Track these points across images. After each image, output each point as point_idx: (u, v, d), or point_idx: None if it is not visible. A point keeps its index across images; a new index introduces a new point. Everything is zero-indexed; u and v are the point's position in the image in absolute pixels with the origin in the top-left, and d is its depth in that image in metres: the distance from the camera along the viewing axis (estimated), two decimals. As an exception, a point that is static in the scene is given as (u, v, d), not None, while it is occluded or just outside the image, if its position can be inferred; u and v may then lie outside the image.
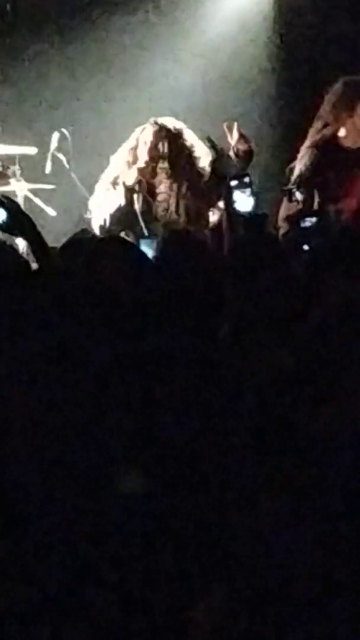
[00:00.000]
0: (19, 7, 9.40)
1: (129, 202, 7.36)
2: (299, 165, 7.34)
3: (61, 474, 3.18)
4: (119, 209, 7.40)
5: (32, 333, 3.49)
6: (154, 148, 7.46)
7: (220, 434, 3.27)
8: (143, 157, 7.46)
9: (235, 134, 7.15)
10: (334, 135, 7.47)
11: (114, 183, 7.63)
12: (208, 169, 7.41)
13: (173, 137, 7.45)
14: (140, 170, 7.22)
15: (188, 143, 7.47)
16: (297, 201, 7.06)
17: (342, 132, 7.44)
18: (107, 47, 9.51)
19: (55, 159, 8.19)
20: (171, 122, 7.48)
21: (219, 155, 7.17)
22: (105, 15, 9.44)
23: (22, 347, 3.42)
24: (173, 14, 9.48)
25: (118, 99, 9.27)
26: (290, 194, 7.10)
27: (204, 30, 9.58)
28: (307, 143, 7.39)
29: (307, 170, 7.39)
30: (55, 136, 8.16)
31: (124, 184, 7.41)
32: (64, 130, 8.25)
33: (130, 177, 7.40)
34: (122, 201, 7.38)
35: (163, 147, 7.51)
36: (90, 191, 8.00)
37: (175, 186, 7.46)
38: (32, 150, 8.43)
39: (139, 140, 7.52)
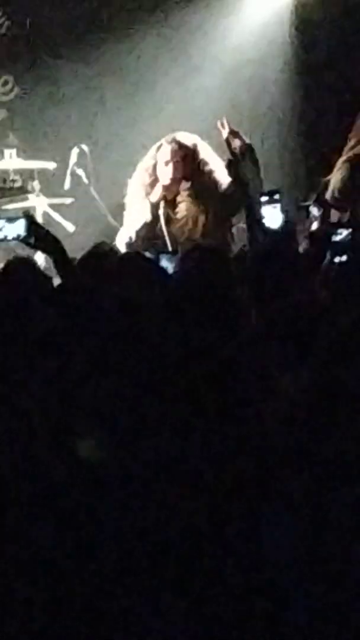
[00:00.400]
0: (37, 23, 9.45)
1: (154, 218, 7.29)
2: (334, 179, 7.26)
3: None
4: (144, 226, 7.34)
5: (58, 349, 3.45)
6: (173, 168, 7.35)
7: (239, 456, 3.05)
8: (166, 176, 7.35)
9: (226, 130, 7.08)
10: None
11: (137, 201, 7.57)
12: (227, 178, 7.26)
13: (191, 155, 7.33)
14: (165, 188, 7.16)
15: (204, 158, 7.35)
16: (315, 217, 6.88)
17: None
18: (124, 60, 9.45)
19: (74, 174, 8.17)
20: (186, 138, 7.36)
21: (235, 159, 7.04)
22: (122, 29, 9.42)
23: (49, 363, 3.37)
24: (190, 27, 9.46)
25: (136, 113, 9.23)
26: (307, 211, 6.98)
27: (224, 41, 9.50)
28: (342, 158, 7.34)
29: (342, 184, 7.28)
30: (75, 152, 8.18)
31: (149, 200, 7.36)
32: (83, 146, 8.25)
33: (155, 194, 7.36)
34: (147, 218, 7.32)
35: (183, 166, 7.39)
36: (109, 206, 8.15)
37: (195, 204, 7.31)
38: (51, 165, 8.42)
39: (157, 159, 7.38)
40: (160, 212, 7.32)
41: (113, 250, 5.68)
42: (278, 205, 6.07)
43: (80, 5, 9.51)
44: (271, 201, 6.15)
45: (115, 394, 3.30)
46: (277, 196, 6.15)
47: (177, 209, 7.40)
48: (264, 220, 6.05)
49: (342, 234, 5.81)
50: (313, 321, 4.02)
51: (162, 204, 7.23)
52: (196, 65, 9.38)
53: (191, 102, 9.18)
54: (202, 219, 7.32)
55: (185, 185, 7.35)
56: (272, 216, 6.05)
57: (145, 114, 9.18)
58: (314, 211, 6.76)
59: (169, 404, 3.33)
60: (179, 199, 7.35)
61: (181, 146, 7.30)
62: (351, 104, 7.98)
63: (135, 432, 3.24)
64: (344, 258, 5.52)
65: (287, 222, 6.19)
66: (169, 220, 7.34)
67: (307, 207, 6.79)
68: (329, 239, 5.80)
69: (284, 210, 6.07)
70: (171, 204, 7.36)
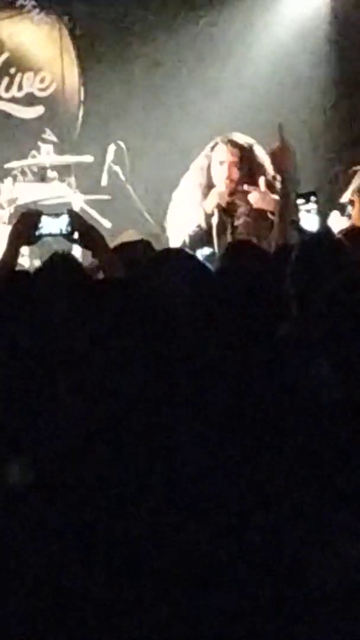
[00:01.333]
0: (81, 22, 9.39)
1: (208, 226, 7.03)
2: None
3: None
4: (198, 231, 7.09)
5: (100, 342, 3.11)
6: (230, 168, 7.06)
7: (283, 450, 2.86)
8: (220, 179, 7.10)
9: (277, 144, 6.78)
10: None
11: (191, 203, 7.34)
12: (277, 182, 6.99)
13: (247, 156, 7.09)
14: (219, 195, 6.94)
15: (260, 160, 7.12)
16: (349, 215, 6.75)
17: None
18: (163, 58, 9.36)
19: (111, 171, 8.06)
20: (242, 139, 7.16)
21: (284, 181, 6.74)
22: (163, 28, 9.35)
23: (90, 356, 3.05)
24: (232, 24, 9.28)
25: (174, 110, 9.13)
26: (343, 208, 6.88)
27: (263, 40, 9.36)
28: None
29: None
30: (112, 148, 8.04)
31: (204, 209, 7.12)
32: (120, 142, 8.15)
33: (210, 202, 7.12)
34: (201, 223, 7.06)
35: (239, 167, 7.12)
36: (146, 203, 8.23)
37: (252, 211, 7.04)
38: (88, 159, 8.37)
39: (211, 159, 7.15)
40: (214, 221, 7.11)
41: (151, 246, 5.33)
42: (314, 207, 5.90)
43: (123, 3, 9.46)
44: (307, 203, 5.97)
45: (159, 380, 3.00)
46: (313, 198, 6.00)
47: (237, 213, 7.17)
48: (301, 223, 5.91)
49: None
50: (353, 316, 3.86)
51: (216, 212, 7.01)
52: (235, 63, 9.21)
53: (229, 99, 9.01)
54: (258, 221, 7.09)
55: (240, 187, 7.06)
56: (308, 219, 5.91)
57: (183, 111, 9.07)
58: (349, 209, 6.65)
59: (209, 393, 3.09)
60: (236, 201, 7.11)
61: (237, 146, 7.12)
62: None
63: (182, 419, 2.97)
64: None
65: (324, 224, 6.13)
66: (222, 230, 7.18)
67: (344, 204, 6.67)
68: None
69: (320, 212, 5.91)
70: (226, 213, 7.13)
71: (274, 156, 6.78)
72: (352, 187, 7.17)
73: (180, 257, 4.18)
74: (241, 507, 2.82)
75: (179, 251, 4.81)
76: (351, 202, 6.88)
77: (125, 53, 9.39)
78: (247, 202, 7.06)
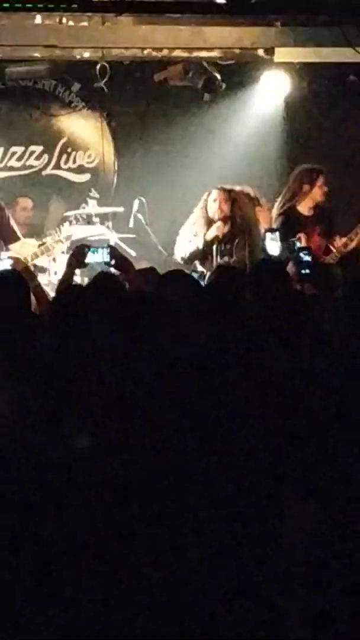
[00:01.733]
0: (113, 119, 10.67)
1: (205, 251, 8.40)
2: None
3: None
4: (196, 252, 8.40)
5: (131, 330, 3.78)
6: (220, 204, 8.43)
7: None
8: (214, 210, 8.41)
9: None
10: (294, 206, 8.63)
11: (195, 234, 8.56)
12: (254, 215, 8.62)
13: (232, 197, 8.51)
14: (218, 228, 8.24)
15: (240, 199, 8.62)
16: (298, 248, 7.90)
17: (300, 205, 8.62)
18: (174, 138, 10.56)
19: (135, 218, 9.40)
20: (227, 186, 8.61)
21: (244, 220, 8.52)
22: (173, 119, 10.64)
23: (127, 339, 3.73)
24: (219, 115, 10.51)
25: (181, 175, 10.32)
26: (292, 244, 7.82)
27: (240, 125, 10.54)
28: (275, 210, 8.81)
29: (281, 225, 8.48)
30: (136, 202, 9.43)
31: (204, 237, 8.42)
32: (142, 198, 9.49)
33: (211, 233, 8.37)
34: (199, 246, 8.37)
35: (227, 207, 8.46)
36: (159, 240, 9.50)
37: (236, 240, 8.43)
38: (120, 209, 9.57)
39: (207, 201, 8.45)
40: (214, 248, 8.29)
41: (155, 271, 6.23)
42: (277, 237, 7.39)
43: (144, 103, 10.53)
44: (273, 233, 7.51)
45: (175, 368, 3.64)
46: (276, 232, 7.53)
47: (223, 242, 8.39)
48: (267, 249, 7.43)
49: (307, 256, 7.09)
50: (297, 314, 4.69)
51: (215, 242, 8.28)
52: (222, 141, 10.44)
53: (218, 165, 10.18)
54: (239, 250, 8.40)
55: (228, 224, 8.38)
56: (273, 245, 7.37)
57: (185, 174, 10.26)
58: (297, 244, 7.64)
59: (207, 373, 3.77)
60: (228, 245, 8.42)
61: (223, 190, 8.47)
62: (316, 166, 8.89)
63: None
64: (308, 271, 6.80)
65: (282, 252, 7.35)
66: (215, 254, 8.35)
67: (293, 241, 7.71)
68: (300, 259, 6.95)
69: (281, 241, 7.36)
70: (221, 242, 8.37)
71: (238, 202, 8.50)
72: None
73: (180, 276, 5.19)
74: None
75: (179, 272, 5.71)
76: (299, 239, 8.03)
77: (145, 136, 10.52)
78: (231, 237, 8.35)
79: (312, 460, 3.62)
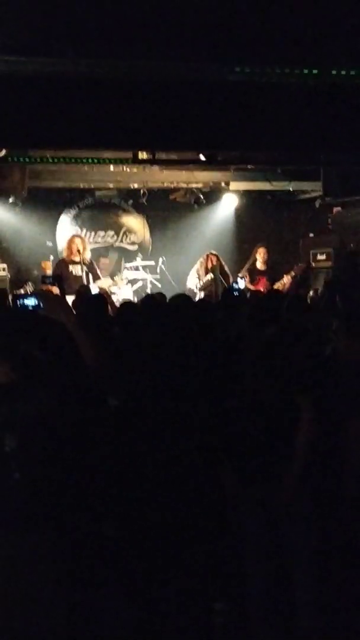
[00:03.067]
0: (149, 217, 11.57)
1: (207, 285, 9.32)
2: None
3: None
4: (204, 285, 9.32)
5: (162, 331, 3.83)
6: (210, 264, 9.40)
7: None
8: (210, 263, 9.23)
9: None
10: (254, 264, 9.81)
11: (198, 278, 9.53)
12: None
13: (217, 260, 9.51)
14: (210, 278, 9.33)
15: (221, 263, 9.57)
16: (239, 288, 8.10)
17: (257, 264, 9.76)
18: (177, 228, 11.59)
19: (160, 268, 10.55)
20: (215, 253, 9.62)
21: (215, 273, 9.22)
22: (175, 216, 11.59)
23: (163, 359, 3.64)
24: (200, 217, 11.48)
25: (183, 246, 11.40)
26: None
27: (210, 223, 11.59)
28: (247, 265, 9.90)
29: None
30: (160, 260, 10.66)
31: (207, 276, 9.32)
32: (163, 257, 10.69)
33: (206, 278, 9.33)
34: (198, 285, 9.35)
35: (213, 263, 9.44)
36: (173, 279, 10.34)
37: (215, 282, 9.32)
38: (152, 263, 10.60)
39: (205, 260, 9.52)
40: (211, 286, 9.22)
41: (163, 295, 6.33)
42: (242, 282, 8.25)
43: (166, 209, 11.51)
44: (240, 280, 8.34)
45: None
46: (243, 278, 8.70)
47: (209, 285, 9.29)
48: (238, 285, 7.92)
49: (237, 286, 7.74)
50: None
51: (210, 282, 9.30)
52: (203, 230, 11.55)
53: (201, 244, 10.90)
54: (217, 287, 9.21)
55: (213, 274, 9.23)
56: (240, 284, 8.03)
57: (185, 246, 11.34)
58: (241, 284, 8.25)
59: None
60: (211, 281, 9.34)
61: (214, 254, 9.58)
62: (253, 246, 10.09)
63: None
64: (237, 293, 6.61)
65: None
66: (209, 290, 9.16)
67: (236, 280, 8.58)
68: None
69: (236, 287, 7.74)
70: (209, 285, 9.35)
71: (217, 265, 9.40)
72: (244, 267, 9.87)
73: (182, 296, 5.24)
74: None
75: (181, 295, 5.46)
76: (243, 277, 9.17)
77: (165, 227, 11.76)
78: (213, 281, 9.29)
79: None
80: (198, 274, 9.63)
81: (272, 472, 3.08)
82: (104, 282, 9.27)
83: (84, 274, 9.07)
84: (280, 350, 3.32)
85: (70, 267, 9.12)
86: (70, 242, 9.44)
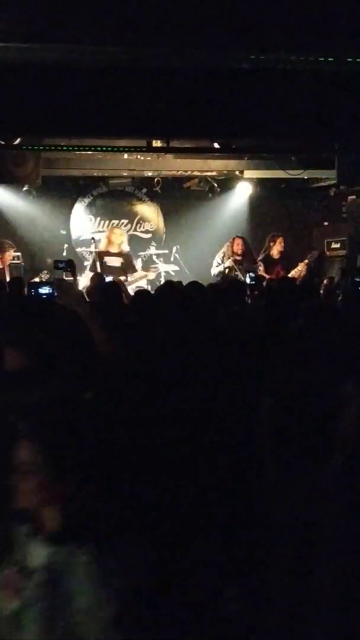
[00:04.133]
0: (162, 205, 11.51)
1: (229, 270, 9.20)
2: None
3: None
4: (221, 272, 9.25)
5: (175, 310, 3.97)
6: (235, 246, 9.37)
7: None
8: (237, 247, 9.17)
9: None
10: (268, 253, 9.65)
11: (222, 262, 9.37)
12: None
13: (244, 242, 9.56)
14: (233, 260, 9.22)
15: (249, 246, 9.63)
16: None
17: (271, 252, 9.64)
18: (195, 216, 11.48)
19: (174, 256, 10.60)
20: (241, 236, 9.66)
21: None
22: (191, 205, 11.55)
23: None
24: (217, 204, 11.42)
25: (199, 234, 11.29)
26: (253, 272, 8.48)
27: (226, 210, 11.52)
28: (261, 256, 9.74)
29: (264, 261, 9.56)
30: (174, 248, 10.71)
31: (229, 262, 9.20)
32: (177, 246, 10.73)
33: (227, 263, 9.21)
34: (221, 270, 9.23)
35: (239, 246, 9.44)
36: (187, 267, 10.33)
37: (238, 265, 9.25)
38: (166, 251, 10.78)
39: (229, 244, 9.38)
40: (230, 268, 9.11)
41: (181, 284, 6.41)
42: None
43: (180, 197, 11.49)
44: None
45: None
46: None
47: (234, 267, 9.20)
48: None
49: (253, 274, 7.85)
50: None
51: (231, 266, 9.17)
52: (217, 218, 11.48)
53: (215, 231, 11.00)
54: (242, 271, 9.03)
55: (237, 258, 9.22)
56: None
57: (199, 234, 11.26)
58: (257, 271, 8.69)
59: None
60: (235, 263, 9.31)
61: (241, 237, 9.65)
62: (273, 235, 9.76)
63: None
64: (253, 282, 7.12)
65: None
66: (228, 274, 9.09)
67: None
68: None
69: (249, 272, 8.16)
70: (231, 269, 9.23)
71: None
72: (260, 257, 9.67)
73: (196, 283, 5.66)
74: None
75: (195, 282, 5.88)
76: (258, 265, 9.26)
77: (179, 215, 11.65)
78: (237, 265, 9.14)
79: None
80: (220, 261, 9.58)
81: (317, 460, 2.85)
82: (139, 274, 9.47)
83: (120, 265, 9.24)
84: (318, 336, 3.19)
85: (106, 259, 9.24)
86: (110, 234, 9.57)
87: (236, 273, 9.15)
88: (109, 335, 3.03)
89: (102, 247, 9.82)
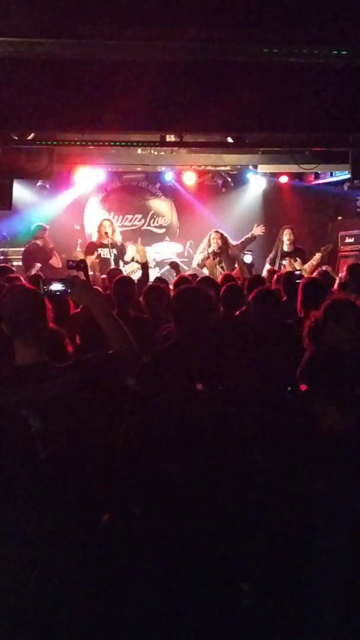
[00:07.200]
0: (176, 201, 11.64)
1: (206, 259, 9.24)
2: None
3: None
4: (203, 257, 9.35)
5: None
6: (214, 241, 9.41)
7: None
8: (214, 242, 9.30)
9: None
10: (280, 245, 9.73)
11: (203, 252, 9.57)
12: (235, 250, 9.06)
13: (223, 240, 9.49)
14: (213, 254, 9.33)
15: (226, 239, 9.50)
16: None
17: (283, 245, 9.71)
18: (207, 210, 11.53)
19: (187, 250, 11.21)
20: (221, 233, 9.57)
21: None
22: (204, 200, 11.60)
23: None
24: (229, 199, 11.55)
25: (210, 228, 10.34)
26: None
27: (239, 204, 11.64)
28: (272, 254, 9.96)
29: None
30: (187, 242, 11.35)
31: (207, 253, 9.32)
32: (190, 240, 11.26)
33: (210, 258, 9.16)
34: (204, 259, 9.26)
35: (217, 241, 9.46)
36: (197, 260, 10.07)
37: (218, 258, 9.34)
38: (180, 245, 11.46)
39: (210, 237, 9.51)
40: (212, 258, 9.18)
41: (196, 277, 6.48)
42: (250, 255, 8.48)
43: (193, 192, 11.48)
44: (247, 254, 8.55)
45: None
46: (249, 252, 8.63)
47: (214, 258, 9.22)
48: (245, 259, 8.16)
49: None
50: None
51: (212, 256, 9.27)
52: (231, 212, 11.54)
53: (229, 225, 10.72)
54: (220, 264, 9.20)
55: (217, 250, 9.35)
56: (247, 258, 8.35)
57: (215, 228, 10.20)
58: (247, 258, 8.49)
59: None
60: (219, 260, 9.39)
61: (218, 232, 9.57)
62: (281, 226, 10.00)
63: None
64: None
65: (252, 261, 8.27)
66: (210, 262, 9.08)
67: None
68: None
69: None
70: (214, 256, 9.27)
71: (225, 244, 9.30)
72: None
73: (209, 278, 6.18)
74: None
75: (208, 277, 6.56)
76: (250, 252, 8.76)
77: (192, 210, 11.63)
78: (217, 257, 9.19)
79: None
80: (202, 249, 9.72)
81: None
82: (132, 267, 9.47)
83: (112, 256, 9.17)
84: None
85: (99, 250, 9.23)
86: (100, 226, 9.57)
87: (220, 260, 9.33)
88: (122, 329, 3.01)
89: (94, 239, 9.86)
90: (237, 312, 4.96)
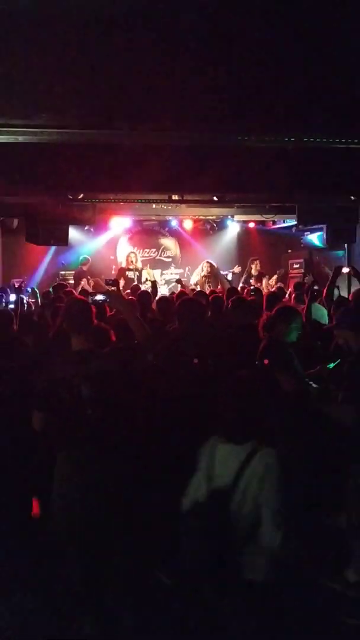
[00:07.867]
0: (177, 239, 11.31)
1: (201, 281, 9.38)
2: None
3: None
4: (197, 281, 9.35)
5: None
6: (205, 268, 9.44)
7: None
8: (205, 269, 9.34)
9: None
10: (250, 271, 9.59)
11: (198, 276, 9.55)
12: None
13: (211, 267, 9.55)
14: (203, 276, 9.43)
15: (213, 266, 9.51)
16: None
17: (252, 271, 9.67)
18: (199, 244, 11.22)
19: (187, 274, 10.59)
20: (211, 263, 9.56)
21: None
22: (198, 241, 11.33)
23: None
24: (216, 237, 11.22)
25: (201, 258, 10.52)
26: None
27: (222, 241, 11.32)
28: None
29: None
30: (187, 268, 10.96)
31: (201, 276, 9.42)
32: (189, 267, 10.85)
33: (202, 279, 9.36)
34: (198, 281, 9.32)
35: (207, 268, 9.47)
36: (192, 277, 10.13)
37: (207, 279, 9.44)
38: (182, 271, 10.87)
39: (202, 265, 9.57)
40: (205, 280, 9.26)
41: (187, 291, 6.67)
42: (230, 274, 8.36)
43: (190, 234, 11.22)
44: (230, 275, 8.48)
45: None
46: (230, 274, 8.57)
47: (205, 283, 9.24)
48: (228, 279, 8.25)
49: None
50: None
51: (205, 280, 9.37)
52: (216, 246, 11.30)
53: (215, 257, 10.53)
54: (209, 286, 9.18)
55: (208, 276, 9.41)
56: (230, 278, 8.23)
57: (204, 259, 10.25)
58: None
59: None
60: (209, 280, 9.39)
61: (209, 264, 9.62)
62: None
63: None
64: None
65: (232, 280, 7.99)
66: (202, 284, 9.17)
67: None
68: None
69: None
70: (206, 279, 9.41)
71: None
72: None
73: (201, 292, 5.97)
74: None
75: (201, 291, 6.35)
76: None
77: (191, 244, 11.35)
78: (207, 281, 9.20)
79: None
80: (199, 275, 9.57)
81: None
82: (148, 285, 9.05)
83: (135, 277, 9.37)
84: None
85: (127, 273, 9.45)
86: (127, 256, 9.77)
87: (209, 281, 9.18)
88: (143, 326, 2.99)
89: (123, 265, 9.90)
90: (220, 314, 5.01)
